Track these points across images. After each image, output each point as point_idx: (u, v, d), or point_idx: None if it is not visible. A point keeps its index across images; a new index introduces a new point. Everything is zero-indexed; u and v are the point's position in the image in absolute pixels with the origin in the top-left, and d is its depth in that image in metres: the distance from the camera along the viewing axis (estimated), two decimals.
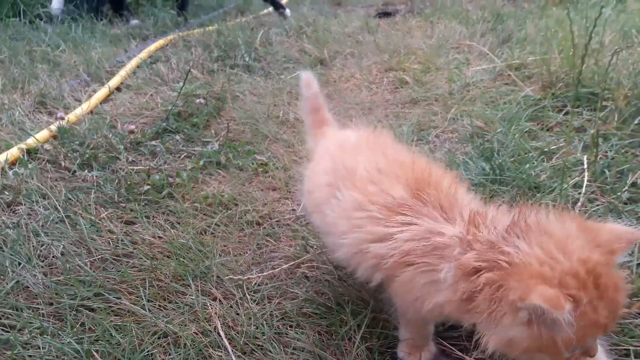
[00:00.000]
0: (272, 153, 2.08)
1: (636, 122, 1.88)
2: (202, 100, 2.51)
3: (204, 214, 1.66)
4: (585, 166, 1.64)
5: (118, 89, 2.79)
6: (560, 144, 1.89)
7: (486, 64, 2.82)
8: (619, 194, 1.53)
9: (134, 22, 4.29)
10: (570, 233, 0.81)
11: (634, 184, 1.60)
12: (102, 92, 2.66)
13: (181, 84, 2.49)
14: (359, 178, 1.04)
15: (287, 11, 4.40)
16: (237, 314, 1.23)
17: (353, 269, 1.05)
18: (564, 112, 2.17)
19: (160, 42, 3.53)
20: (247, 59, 3.20)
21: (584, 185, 1.56)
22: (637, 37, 2.70)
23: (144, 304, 1.26)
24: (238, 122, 2.34)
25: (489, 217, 0.88)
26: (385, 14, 4.59)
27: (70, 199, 1.71)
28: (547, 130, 2.08)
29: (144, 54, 3.24)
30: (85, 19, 3.97)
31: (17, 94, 2.62)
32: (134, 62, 3.08)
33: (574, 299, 0.74)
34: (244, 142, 2.13)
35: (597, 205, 1.52)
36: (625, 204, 1.53)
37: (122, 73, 2.91)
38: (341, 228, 1.03)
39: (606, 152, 1.78)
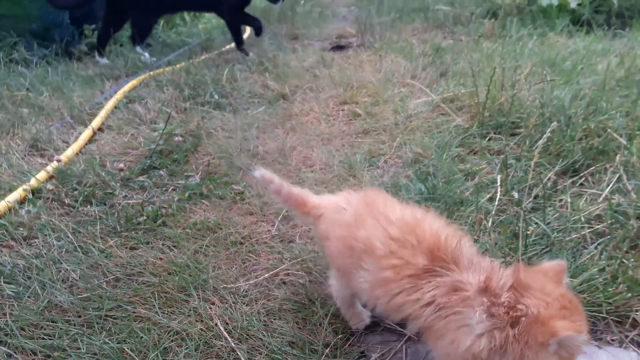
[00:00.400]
0: (247, 183, 2.44)
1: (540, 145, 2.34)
2: (180, 138, 2.86)
3: (195, 238, 2.01)
4: (499, 183, 2.07)
5: (100, 129, 3.11)
6: (482, 166, 2.34)
7: (425, 97, 3.27)
8: (524, 205, 1.97)
9: (104, 61, 4.59)
10: (542, 282, 1.15)
11: (536, 197, 2.04)
12: (87, 133, 2.97)
13: (161, 124, 2.84)
14: (380, 253, 1.24)
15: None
16: (232, 314, 1.59)
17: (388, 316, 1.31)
18: (487, 138, 2.62)
19: (133, 82, 3.85)
20: (215, 96, 3.56)
21: (497, 199, 1.99)
22: (548, 71, 3.21)
23: (156, 311, 1.60)
24: (214, 157, 2.69)
25: (495, 279, 1.15)
26: (339, 47, 5.03)
27: (79, 231, 2.03)
28: (474, 154, 2.52)
29: (119, 95, 3.56)
30: (59, 62, 4.25)
31: (8, 138, 2.90)
32: (111, 104, 3.39)
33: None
34: (222, 174, 2.49)
35: (507, 214, 1.95)
36: (530, 212, 1.97)
37: (102, 114, 3.22)
38: (377, 293, 1.26)
39: (517, 171, 2.23)
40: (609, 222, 1.77)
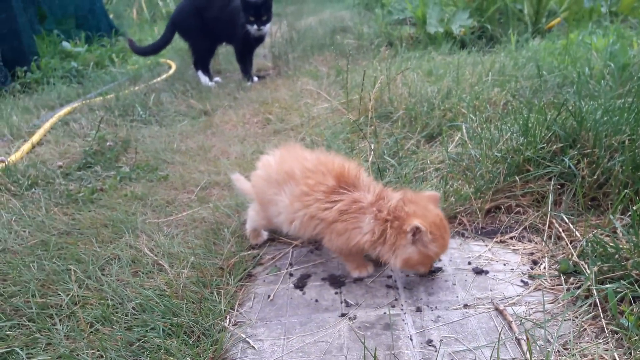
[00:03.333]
0: (171, 170, 2.88)
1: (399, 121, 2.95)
2: (112, 143, 3.27)
3: (127, 204, 2.42)
4: (372, 147, 2.63)
5: (39, 143, 3.45)
6: (364, 144, 2.90)
7: (327, 104, 3.86)
8: (394, 159, 2.53)
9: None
10: (424, 201, 1.66)
11: (396, 154, 2.61)
12: (27, 145, 3.32)
13: (95, 132, 3.24)
14: (298, 177, 1.69)
15: (255, 79, 5.29)
16: (156, 241, 2.00)
17: (299, 232, 1.72)
18: (371, 125, 3.21)
19: (68, 108, 4.22)
20: (143, 115, 4.00)
21: (370, 160, 2.54)
22: (423, 76, 3.90)
23: (98, 246, 1.99)
24: (142, 154, 3.12)
25: (387, 193, 1.67)
26: (258, 77, 5.60)
27: (25, 206, 2.39)
28: (362, 138, 3.09)
29: (55, 118, 3.92)
30: None
31: None
32: (49, 123, 3.75)
33: (434, 234, 1.58)
34: (147, 163, 2.92)
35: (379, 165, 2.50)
36: (391, 166, 2.53)
37: (40, 132, 3.57)
38: (296, 207, 1.67)
39: (388, 143, 2.80)
40: (448, 161, 2.35)
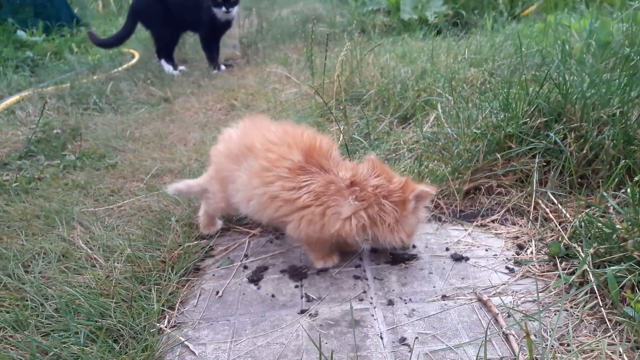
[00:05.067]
0: (121, 158, 2.61)
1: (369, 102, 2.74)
2: (59, 131, 2.98)
3: (66, 193, 2.15)
4: (342, 129, 2.41)
5: None
6: (335, 127, 2.68)
7: (296, 89, 3.63)
8: (365, 141, 2.31)
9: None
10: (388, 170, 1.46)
11: (367, 136, 2.39)
12: None
13: (38, 119, 2.94)
14: (258, 150, 1.45)
15: (222, 67, 5.03)
16: (92, 234, 1.75)
17: (257, 214, 1.50)
18: (342, 108, 2.99)
19: (16, 97, 3.90)
20: (99, 104, 3.71)
21: (340, 139, 2.32)
22: (396, 58, 3.70)
23: (26, 239, 1.73)
24: (91, 142, 2.84)
25: (360, 169, 1.44)
26: (226, 66, 5.34)
27: None
28: (332, 122, 2.87)
29: (1, 106, 3.60)
30: None
31: None
32: None
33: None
34: (96, 150, 2.64)
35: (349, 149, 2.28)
36: (370, 147, 2.31)
37: None
38: (254, 184, 1.44)
39: (360, 125, 2.59)
40: (422, 141, 2.14)
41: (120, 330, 1.26)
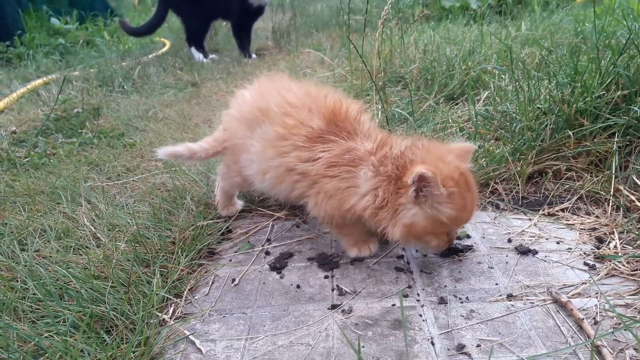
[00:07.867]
0: (141, 137, 2.42)
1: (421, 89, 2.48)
2: (80, 110, 2.82)
3: (78, 169, 1.96)
4: (380, 111, 2.16)
5: (1, 111, 3.01)
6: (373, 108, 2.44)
7: (329, 72, 3.39)
8: (405, 124, 2.06)
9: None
10: (443, 151, 1.15)
11: (408, 118, 2.14)
12: None
13: (57, 97, 2.79)
14: (274, 114, 1.23)
15: (254, 55, 4.89)
16: (98, 212, 1.54)
17: (273, 190, 1.29)
18: (380, 89, 2.74)
19: (43, 79, 3.78)
20: (125, 86, 3.55)
21: (377, 119, 2.07)
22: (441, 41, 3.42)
23: (28, 216, 1.54)
24: (112, 122, 2.66)
25: (393, 140, 1.17)
26: (257, 55, 5.16)
27: None
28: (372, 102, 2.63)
29: (26, 88, 3.48)
30: None
31: None
32: (17, 93, 3.31)
33: (451, 190, 1.07)
34: (114, 129, 2.46)
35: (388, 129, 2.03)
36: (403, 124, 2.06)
37: (6, 100, 3.14)
38: (269, 155, 1.23)
39: (399, 104, 2.33)
40: (474, 119, 1.87)
41: (114, 320, 1.04)
